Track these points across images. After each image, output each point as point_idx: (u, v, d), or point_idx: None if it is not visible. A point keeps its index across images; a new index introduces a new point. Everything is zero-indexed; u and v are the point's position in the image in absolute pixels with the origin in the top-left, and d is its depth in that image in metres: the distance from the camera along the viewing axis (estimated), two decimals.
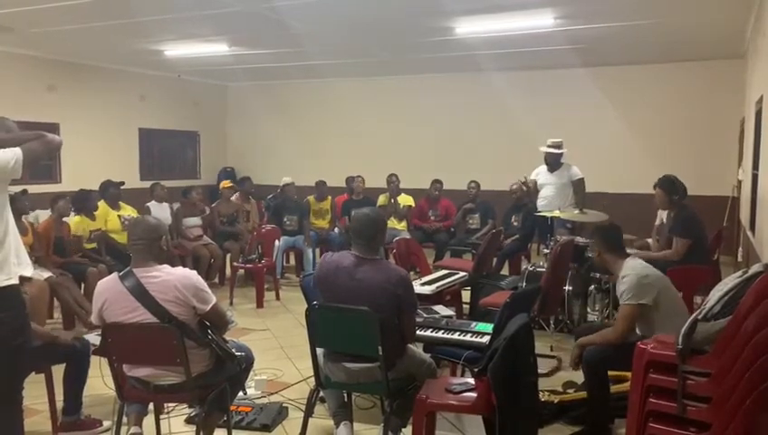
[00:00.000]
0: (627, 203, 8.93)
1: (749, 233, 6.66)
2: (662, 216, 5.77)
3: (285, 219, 8.37)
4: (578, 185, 7.07)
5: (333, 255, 3.45)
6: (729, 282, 2.73)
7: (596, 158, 9.31)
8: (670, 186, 5.36)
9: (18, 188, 6.98)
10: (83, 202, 6.67)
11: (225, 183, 8.79)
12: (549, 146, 7.14)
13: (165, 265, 3.11)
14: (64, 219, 6.32)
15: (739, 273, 2.77)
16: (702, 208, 5.55)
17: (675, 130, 9.88)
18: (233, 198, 8.49)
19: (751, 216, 6.59)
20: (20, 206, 5.79)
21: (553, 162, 7.09)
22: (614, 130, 10.21)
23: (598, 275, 5.63)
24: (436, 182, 8.97)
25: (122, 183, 7.40)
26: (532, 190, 7.28)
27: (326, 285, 3.33)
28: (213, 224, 8.12)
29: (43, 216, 6.72)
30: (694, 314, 2.69)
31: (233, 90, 13.43)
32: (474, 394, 3.09)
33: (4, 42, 8.51)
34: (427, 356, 3.56)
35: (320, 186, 9.02)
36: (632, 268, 3.63)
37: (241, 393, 3.65)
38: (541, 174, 7.28)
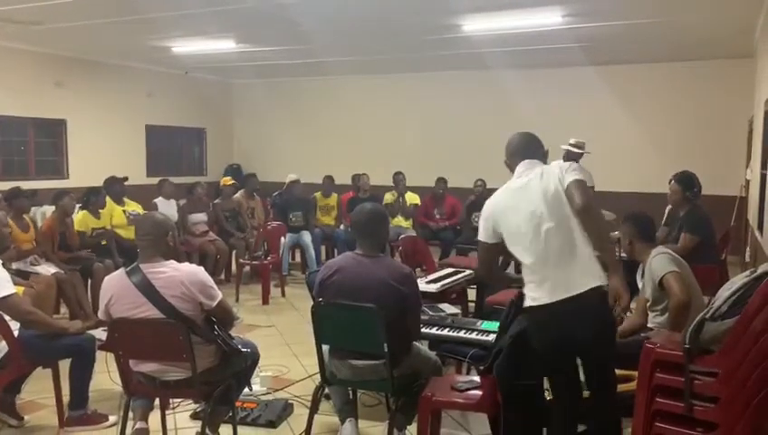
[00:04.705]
0: (634, 201, 8.89)
1: (757, 233, 6.63)
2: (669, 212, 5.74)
3: (291, 216, 8.37)
4: None
5: (335, 259, 3.46)
6: (737, 281, 2.72)
7: (603, 156, 9.22)
8: (688, 182, 5.29)
9: (28, 185, 7.04)
10: (91, 198, 6.66)
11: (226, 180, 8.76)
12: (571, 144, 7.01)
13: (171, 261, 3.12)
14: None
15: (747, 272, 2.75)
16: (710, 208, 5.51)
17: (683, 128, 9.82)
18: (237, 195, 8.50)
19: (759, 215, 6.55)
20: (20, 204, 5.82)
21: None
22: (622, 128, 10.15)
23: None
24: (441, 180, 8.95)
25: (126, 178, 7.40)
26: None
27: (327, 288, 3.29)
28: (218, 220, 8.14)
29: (50, 211, 6.73)
30: (701, 314, 2.68)
31: (239, 87, 13.43)
32: (479, 392, 3.10)
33: (12, 38, 8.52)
34: (432, 354, 3.56)
35: (326, 181, 9.03)
36: (661, 250, 3.69)
37: (246, 390, 3.67)
38: None
